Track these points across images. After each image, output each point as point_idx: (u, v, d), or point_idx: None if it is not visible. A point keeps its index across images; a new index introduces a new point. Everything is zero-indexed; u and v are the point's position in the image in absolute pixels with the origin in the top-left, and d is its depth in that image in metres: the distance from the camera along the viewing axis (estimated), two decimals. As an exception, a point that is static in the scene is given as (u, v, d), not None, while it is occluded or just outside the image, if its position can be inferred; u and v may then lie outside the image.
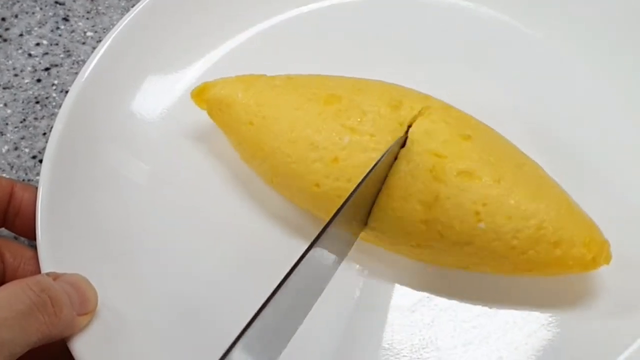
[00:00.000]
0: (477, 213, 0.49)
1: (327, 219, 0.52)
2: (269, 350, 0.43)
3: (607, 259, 0.50)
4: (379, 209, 0.51)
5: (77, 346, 0.48)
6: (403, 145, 0.52)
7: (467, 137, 0.52)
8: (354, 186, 0.49)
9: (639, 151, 0.58)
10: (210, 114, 0.58)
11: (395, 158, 0.52)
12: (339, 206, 0.49)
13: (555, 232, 0.49)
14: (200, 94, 0.58)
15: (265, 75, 0.58)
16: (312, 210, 0.55)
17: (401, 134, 0.52)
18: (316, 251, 0.45)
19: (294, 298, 0.44)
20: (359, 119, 0.53)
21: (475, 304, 0.53)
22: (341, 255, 0.51)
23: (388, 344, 0.51)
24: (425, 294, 0.53)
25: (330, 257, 0.49)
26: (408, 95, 0.55)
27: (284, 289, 0.43)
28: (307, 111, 0.54)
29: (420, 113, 0.53)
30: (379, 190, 0.51)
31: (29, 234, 0.54)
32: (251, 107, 0.55)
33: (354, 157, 0.52)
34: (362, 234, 0.53)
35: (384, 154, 0.50)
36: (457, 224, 0.50)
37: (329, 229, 0.46)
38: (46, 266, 0.51)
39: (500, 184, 0.50)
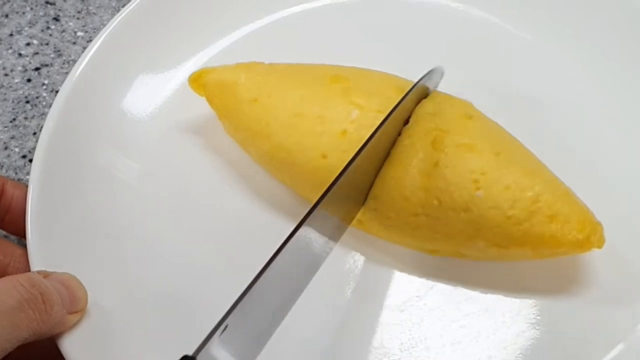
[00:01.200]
0: (476, 181, 0.50)
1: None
2: (252, 344, 0.43)
3: (600, 242, 0.50)
4: (379, 178, 0.52)
5: (66, 344, 0.48)
6: (406, 122, 0.53)
7: (469, 116, 0.53)
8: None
9: (629, 149, 0.59)
10: (208, 98, 0.59)
11: (399, 134, 0.53)
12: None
13: (551, 207, 0.50)
14: (198, 79, 0.58)
15: (263, 62, 0.58)
16: (312, 191, 0.55)
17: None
18: (307, 231, 0.45)
19: (280, 286, 0.44)
20: (367, 97, 0.53)
21: (464, 304, 0.53)
22: (333, 239, 0.51)
23: (377, 342, 0.52)
24: (415, 294, 0.54)
25: (322, 240, 0.49)
26: (411, 82, 0.56)
27: (269, 272, 0.42)
28: (314, 89, 0.55)
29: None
30: (378, 169, 0.52)
31: (18, 232, 0.54)
32: (254, 87, 0.56)
33: (362, 131, 0.52)
34: (360, 215, 0.54)
35: (382, 123, 0.50)
36: (455, 191, 0.50)
37: (323, 208, 0.46)
38: (36, 264, 0.51)
39: (499, 157, 0.51)
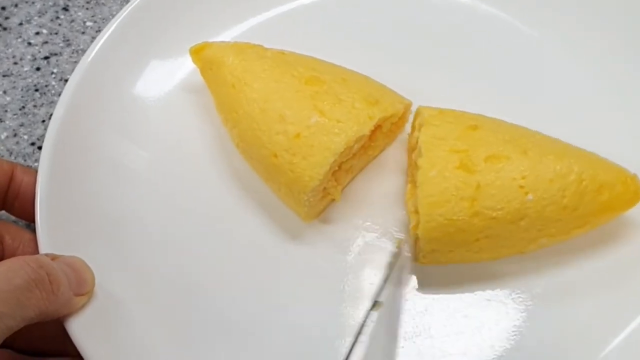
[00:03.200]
0: (522, 187, 0.51)
1: (278, 193, 0.55)
2: None
3: None
4: (426, 221, 0.51)
5: (74, 326, 0.48)
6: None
7: (474, 127, 0.53)
8: (309, 165, 0.52)
9: (633, 148, 0.58)
10: (202, 71, 0.60)
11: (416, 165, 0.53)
12: (289, 180, 0.52)
13: (594, 180, 0.52)
14: (199, 52, 0.60)
15: (262, 45, 0.59)
16: (267, 181, 0.57)
17: (370, 126, 0.53)
18: None
19: None
20: (331, 105, 0.54)
21: (467, 294, 0.54)
22: None
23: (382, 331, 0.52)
24: (419, 283, 0.54)
25: None
26: (388, 96, 0.57)
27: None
28: (286, 86, 0.55)
29: (418, 121, 0.56)
30: None
31: (27, 217, 0.54)
32: (237, 72, 0.57)
33: (315, 138, 0.53)
34: (420, 258, 0.54)
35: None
36: (506, 204, 0.51)
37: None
38: (44, 248, 0.51)
39: (527, 154, 0.52)
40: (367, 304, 0.53)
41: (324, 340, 0.52)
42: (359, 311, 0.53)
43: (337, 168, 0.54)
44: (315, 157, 0.52)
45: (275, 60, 0.57)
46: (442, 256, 0.53)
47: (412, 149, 0.57)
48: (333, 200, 0.57)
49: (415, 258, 0.55)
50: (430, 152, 0.52)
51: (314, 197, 0.54)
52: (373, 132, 0.55)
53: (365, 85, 0.57)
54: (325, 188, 0.55)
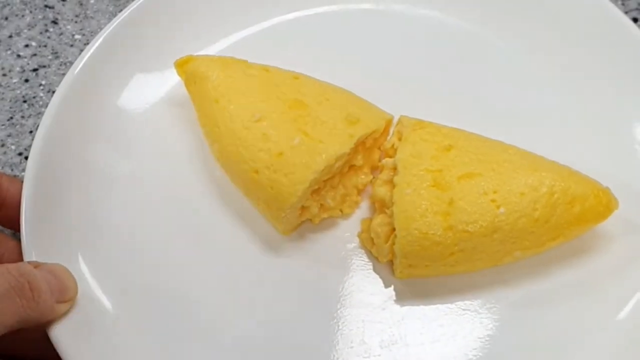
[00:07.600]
0: (493, 201, 0.52)
1: (257, 207, 0.56)
2: None
3: (616, 203, 0.54)
4: (403, 235, 0.52)
5: (56, 333, 0.49)
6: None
7: (448, 147, 0.55)
8: (290, 182, 0.53)
9: (606, 162, 0.59)
10: (186, 84, 0.61)
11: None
12: (268, 197, 0.53)
13: (566, 192, 0.53)
14: (183, 65, 0.61)
15: (246, 61, 0.60)
16: (246, 195, 0.58)
17: (350, 145, 0.55)
18: None
19: None
20: (313, 127, 0.55)
21: (442, 304, 0.55)
22: None
23: (359, 339, 0.53)
24: (396, 292, 0.55)
25: None
26: (369, 112, 0.58)
27: None
28: (271, 107, 0.56)
29: (397, 134, 0.57)
30: None
31: (13, 226, 0.55)
32: (221, 87, 0.58)
33: (298, 157, 0.54)
34: (397, 274, 0.55)
35: None
36: (479, 218, 0.52)
37: None
38: (29, 256, 0.52)
39: (500, 170, 0.53)
40: (347, 312, 0.54)
41: (302, 350, 0.53)
42: (338, 320, 0.54)
43: (317, 187, 0.55)
44: (296, 174, 0.53)
45: (260, 79, 0.58)
46: (419, 271, 0.54)
47: (387, 151, 0.58)
48: (310, 220, 0.58)
49: (393, 272, 0.56)
50: (406, 171, 0.54)
51: (292, 214, 0.55)
52: (355, 148, 0.56)
53: (347, 103, 0.58)
54: (303, 206, 0.56)
